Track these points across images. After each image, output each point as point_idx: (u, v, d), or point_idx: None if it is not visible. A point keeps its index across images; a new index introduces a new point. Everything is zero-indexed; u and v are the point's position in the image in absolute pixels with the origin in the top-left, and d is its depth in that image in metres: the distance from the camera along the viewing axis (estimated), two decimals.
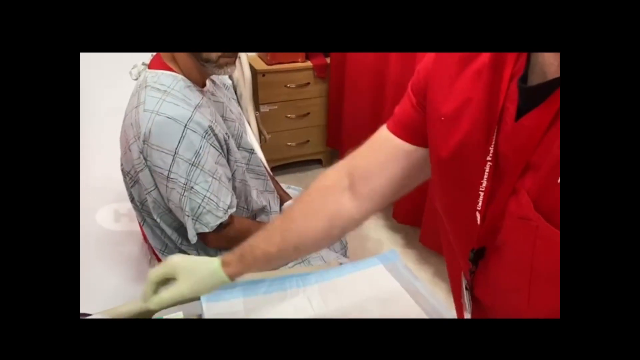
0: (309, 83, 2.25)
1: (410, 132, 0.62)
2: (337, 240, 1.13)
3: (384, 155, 0.65)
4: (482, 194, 0.48)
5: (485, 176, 0.47)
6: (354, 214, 0.69)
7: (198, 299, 0.86)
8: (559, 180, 0.38)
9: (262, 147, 1.80)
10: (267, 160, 2.30)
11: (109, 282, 1.15)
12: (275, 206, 1.24)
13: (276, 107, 2.24)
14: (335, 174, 0.71)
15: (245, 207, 1.13)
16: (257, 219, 1.17)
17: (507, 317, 0.51)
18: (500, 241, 0.48)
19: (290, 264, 1.13)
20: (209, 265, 0.70)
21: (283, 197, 1.29)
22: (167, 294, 0.69)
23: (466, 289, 0.57)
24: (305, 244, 0.71)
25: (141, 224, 1.10)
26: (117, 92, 1.20)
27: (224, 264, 0.70)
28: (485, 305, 0.56)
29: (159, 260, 1.15)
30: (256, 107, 2.01)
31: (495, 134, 0.46)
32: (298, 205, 0.72)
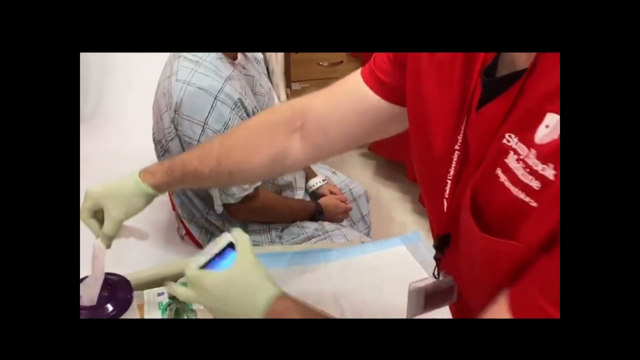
0: (342, 61, 2.22)
1: (386, 88, 0.57)
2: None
3: (348, 104, 0.60)
4: (449, 182, 0.48)
5: (453, 165, 0.47)
6: (300, 157, 0.66)
7: None
8: (495, 172, 0.39)
9: None
10: None
11: (139, 248, 1.18)
12: (300, 182, 1.25)
13: (307, 85, 2.23)
14: (287, 110, 0.67)
15: (271, 181, 1.14)
16: (282, 194, 1.19)
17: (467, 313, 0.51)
18: (459, 230, 0.47)
19: (313, 240, 1.14)
20: (129, 182, 0.65)
21: (309, 174, 1.30)
22: (106, 227, 0.65)
23: (434, 276, 0.57)
24: (241, 173, 0.67)
25: (170, 193, 1.13)
26: (152, 62, 1.22)
27: (148, 174, 0.66)
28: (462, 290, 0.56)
29: (186, 228, 1.18)
30: (287, 85, 2.01)
31: (463, 124, 0.46)
32: (242, 132, 0.68)
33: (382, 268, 0.92)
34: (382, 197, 2.07)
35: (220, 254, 0.56)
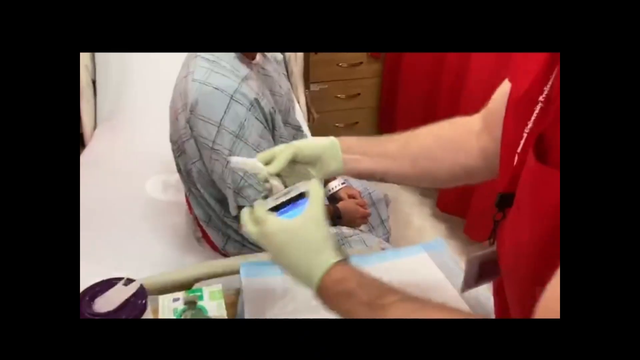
0: (361, 62, 2.19)
1: None
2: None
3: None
4: (525, 134, 0.46)
5: (533, 117, 0.45)
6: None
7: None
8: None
9: (309, 126, 1.78)
10: None
11: (154, 250, 1.18)
12: None
13: (326, 86, 2.21)
14: (467, 118, 0.67)
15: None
16: None
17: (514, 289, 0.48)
18: (519, 189, 0.45)
19: None
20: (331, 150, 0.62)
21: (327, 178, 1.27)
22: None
23: (489, 241, 0.55)
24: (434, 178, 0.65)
25: (187, 194, 1.11)
26: (171, 61, 1.21)
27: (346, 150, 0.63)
28: (502, 270, 0.53)
29: (203, 231, 1.16)
30: (306, 86, 1.98)
31: (553, 74, 0.44)
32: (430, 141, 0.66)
33: (403, 276, 0.88)
34: (401, 201, 2.03)
35: (293, 201, 0.55)
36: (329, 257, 0.50)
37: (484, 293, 0.80)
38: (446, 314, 0.45)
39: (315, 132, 2.27)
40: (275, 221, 0.53)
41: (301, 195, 0.55)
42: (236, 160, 0.59)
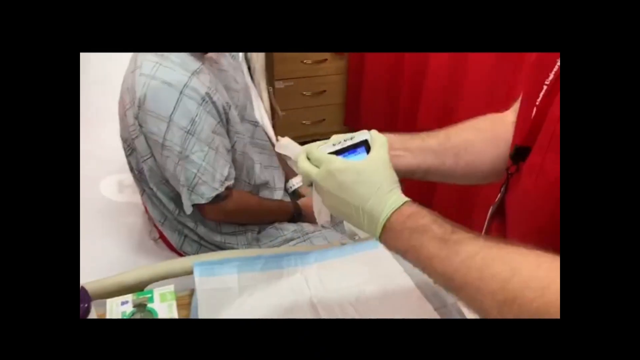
0: (326, 59, 2.18)
1: None
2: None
3: None
4: (545, 87, 0.46)
5: (555, 69, 0.45)
6: None
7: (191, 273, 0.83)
8: None
9: (275, 124, 1.75)
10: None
11: (109, 253, 1.13)
12: (279, 182, 1.20)
13: (292, 83, 2.19)
14: (501, 113, 0.66)
15: (248, 181, 1.09)
16: (259, 194, 1.14)
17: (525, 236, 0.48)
18: (538, 144, 0.46)
19: (292, 242, 1.09)
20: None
21: (289, 174, 1.25)
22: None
23: (500, 190, 0.55)
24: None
25: (141, 194, 1.08)
26: (122, 58, 1.17)
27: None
28: (510, 219, 0.53)
29: (160, 232, 1.13)
30: (271, 83, 1.96)
31: None
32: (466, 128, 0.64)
33: (362, 270, 0.88)
34: None
35: (351, 149, 0.54)
36: (400, 195, 0.49)
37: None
38: (517, 257, 0.41)
39: (282, 130, 2.25)
40: (342, 160, 0.52)
41: (358, 145, 0.54)
42: (284, 145, 0.59)
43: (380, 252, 0.93)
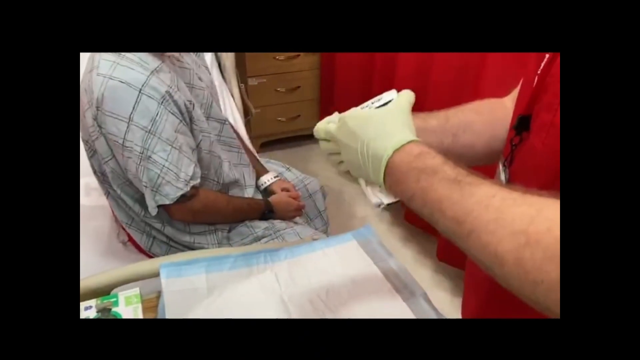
0: (299, 55, 2.17)
1: None
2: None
3: None
4: (547, 56, 0.45)
5: None
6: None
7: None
8: None
9: (250, 122, 1.73)
10: (257, 136, 2.24)
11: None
12: (250, 180, 1.19)
13: (265, 80, 2.17)
14: (499, 99, 0.66)
15: (216, 180, 1.08)
16: (229, 193, 1.12)
17: None
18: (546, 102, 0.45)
19: (264, 240, 1.08)
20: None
21: (259, 171, 1.24)
22: None
23: (503, 165, 0.54)
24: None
25: (106, 196, 1.05)
26: (82, 57, 1.14)
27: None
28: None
29: (128, 235, 1.10)
30: (243, 80, 1.94)
31: None
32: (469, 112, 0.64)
33: (333, 266, 0.88)
34: (346, 193, 2.03)
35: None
36: (409, 134, 0.46)
37: (415, 281, 0.81)
38: (540, 199, 0.37)
39: (257, 128, 2.23)
40: (356, 110, 0.52)
41: (385, 105, 0.54)
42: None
43: (350, 246, 0.93)
